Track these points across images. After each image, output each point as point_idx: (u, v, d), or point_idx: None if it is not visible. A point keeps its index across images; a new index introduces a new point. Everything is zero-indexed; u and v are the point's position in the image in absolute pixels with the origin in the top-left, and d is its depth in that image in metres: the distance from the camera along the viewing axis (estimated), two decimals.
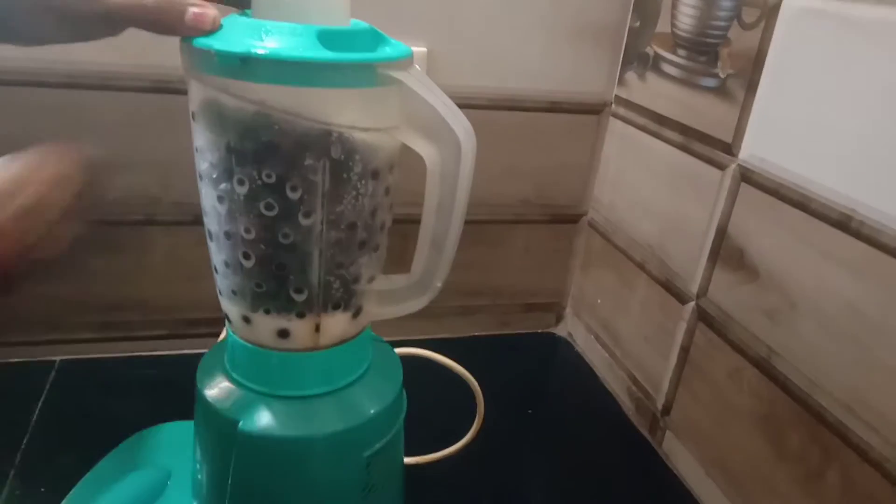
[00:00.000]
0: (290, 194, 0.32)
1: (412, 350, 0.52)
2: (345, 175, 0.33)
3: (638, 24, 0.68)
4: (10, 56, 0.55)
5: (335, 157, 0.32)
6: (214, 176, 0.33)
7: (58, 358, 0.67)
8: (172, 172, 0.62)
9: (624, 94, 0.70)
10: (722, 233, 0.56)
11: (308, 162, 0.32)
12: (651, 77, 0.65)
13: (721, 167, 0.55)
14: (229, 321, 0.38)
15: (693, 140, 0.59)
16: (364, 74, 0.31)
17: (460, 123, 0.32)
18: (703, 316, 0.58)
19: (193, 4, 0.31)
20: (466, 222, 0.74)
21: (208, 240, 0.36)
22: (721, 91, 0.55)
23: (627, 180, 0.70)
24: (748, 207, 0.53)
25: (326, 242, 0.34)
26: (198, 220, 0.66)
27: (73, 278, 0.64)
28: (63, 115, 0.58)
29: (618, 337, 0.72)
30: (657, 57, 0.64)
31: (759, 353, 0.51)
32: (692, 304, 0.59)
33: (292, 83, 0.29)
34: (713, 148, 0.56)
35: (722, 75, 0.55)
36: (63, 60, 0.57)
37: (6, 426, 0.57)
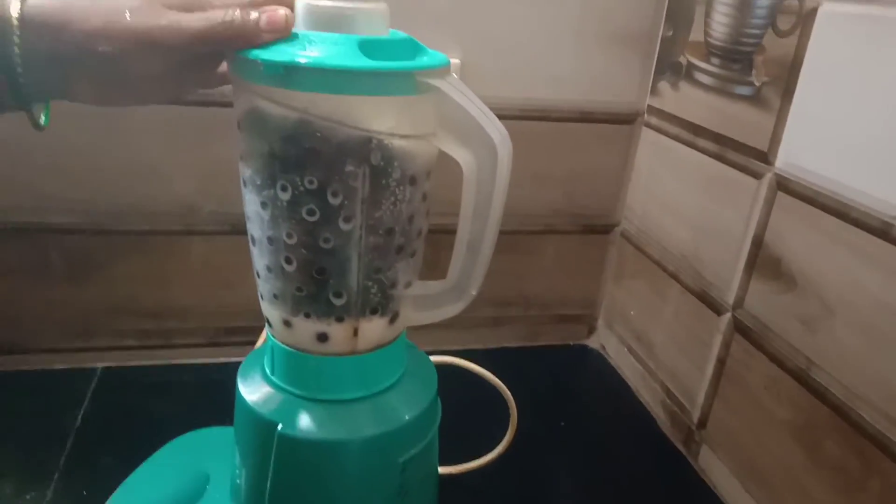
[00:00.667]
0: (330, 200, 0.33)
1: (446, 358, 0.52)
2: (383, 181, 0.34)
3: (671, 33, 0.68)
4: None
5: (374, 163, 0.33)
6: (258, 182, 0.34)
7: (99, 365, 0.69)
8: (210, 182, 0.64)
9: (657, 104, 0.70)
10: (758, 242, 0.55)
11: (349, 168, 0.32)
12: (684, 86, 0.65)
13: (757, 176, 0.55)
14: (270, 325, 0.39)
15: (728, 149, 0.59)
16: (403, 82, 0.31)
17: (496, 129, 0.32)
18: (739, 326, 0.57)
19: (262, 9, 0.32)
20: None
21: (251, 245, 0.37)
22: (756, 99, 0.55)
23: (661, 190, 0.69)
24: (785, 216, 0.52)
25: (365, 247, 0.35)
26: (234, 230, 0.67)
27: (113, 286, 0.66)
28: (107, 124, 0.60)
29: (651, 348, 0.71)
30: (690, 66, 0.64)
31: (796, 363, 0.51)
32: (728, 314, 0.59)
33: (334, 91, 0.30)
34: (748, 157, 0.56)
35: (757, 83, 0.55)
36: None
37: (51, 430, 0.59)
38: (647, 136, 0.72)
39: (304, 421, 0.37)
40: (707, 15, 0.62)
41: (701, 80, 0.63)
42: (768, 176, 0.54)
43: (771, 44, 0.54)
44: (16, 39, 0.30)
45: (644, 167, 0.72)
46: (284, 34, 0.32)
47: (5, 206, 0.61)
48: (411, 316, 0.39)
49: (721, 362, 0.60)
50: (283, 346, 0.38)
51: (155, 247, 0.66)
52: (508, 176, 0.33)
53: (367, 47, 0.31)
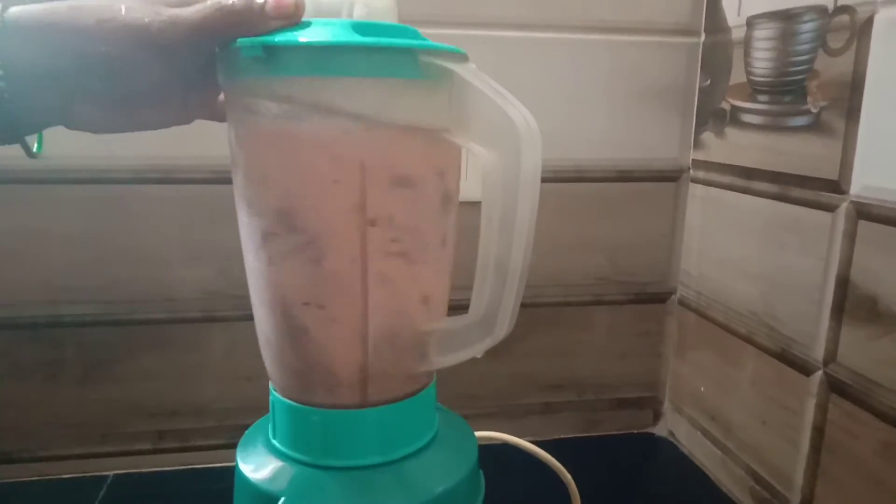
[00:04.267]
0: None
1: (493, 434, 0.45)
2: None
3: (708, 82, 0.64)
4: (82, 154, 0.56)
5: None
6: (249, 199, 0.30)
7: (111, 472, 0.63)
8: (232, 264, 0.60)
9: (702, 157, 0.65)
10: (844, 282, 0.47)
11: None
12: (731, 132, 0.60)
13: (830, 208, 0.49)
14: (270, 376, 0.33)
15: (790, 186, 0.53)
16: (404, 62, 0.27)
17: (521, 114, 0.27)
18: (835, 385, 0.48)
19: None
20: (539, 305, 0.68)
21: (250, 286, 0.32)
22: (816, 126, 0.50)
23: (718, 246, 0.63)
24: (872, 246, 0.45)
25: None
26: None
27: (128, 385, 0.61)
28: (128, 208, 0.58)
29: (729, 427, 0.61)
30: (735, 109, 0.60)
31: None
32: (819, 373, 0.50)
33: (323, 72, 0.26)
34: (816, 189, 0.50)
35: (814, 109, 0.50)
36: (129, 156, 0.57)
37: None
38: (694, 191, 0.66)
39: (312, 493, 0.30)
40: (746, 55, 0.58)
41: (749, 120, 0.58)
42: (844, 206, 0.47)
43: (824, 65, 0.49)
44: None
45: (696, 225, 0.66)
46: (294, 20, 0.28)
47: (18, 300, 0.58)
48: (432, 358, 0.32)
49: (818, 431, 0.50)
50: (286, 400, 0.31)
51: (173, 337, 0.61)
52: (539, 172, 0.28)
53: (363, 28, 0.27)
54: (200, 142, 0.57)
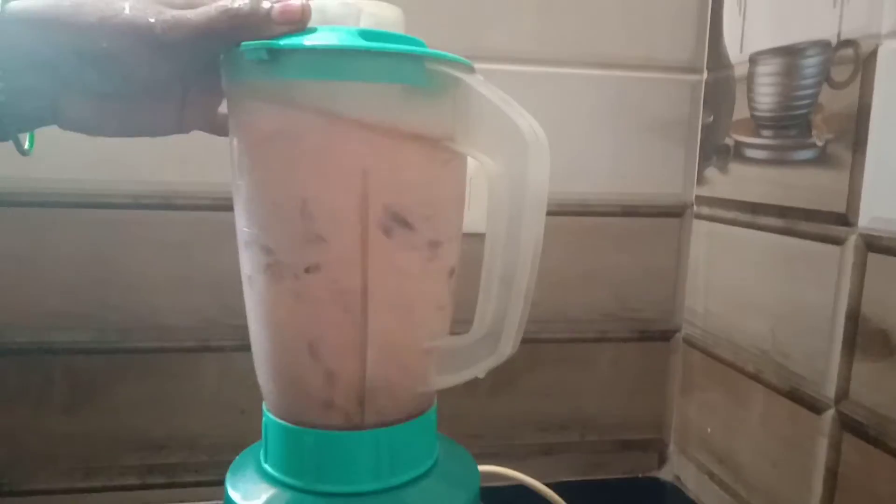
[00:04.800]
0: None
1: (498, 469, 0.43)
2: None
3: (711, 118, 0.64)
4: (81, 178, 0.56)
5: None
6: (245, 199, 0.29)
7: None
8: (228, 292, 0.59)
9: (706, 192, 0.64)
10: (854, 316, 0.46)
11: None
12: (735, 167, 0.60)
13: (838, 241, 0.48)
14: (264, 394, 0.31)
15: (797, 220, 0.52)
16: (410, 68, 0.27)
17: (528, 123, 0.27)
18: (847, 424, 0.47)
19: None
20: (542, 341, 0.67)
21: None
22: (821, 160, 0.50)
23: (723, 283, 0.62)
24: (882, 278, 0.44)
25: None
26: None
27: (117, 415, 0.59)
28: (126, 234, 0.57)
29: (739, 471, 0.59)
30: (739, 145, 0.59)
31: None
32: (831, 411, 0.48)
33: (327, 76, 0.26)
34: (824, 223, 0.49)
35: (819, 143, 0.50)
36: (128, 180, 0.57)
37: None
38: (699, 227, 0.66)
39: None
40: (749, 90, 0.58)
41: (753, 155, 0.58)
42: (852, 238, 0.47)
43: (829, 99, 0.49)
44: None
45: (700, 262, 0.65)
46: (300, 26, 0.28)
47: (5, 324, 0.57)
48: (432, 379, 0.31)
49: (832, 472, 0.48)
50: (279, 420, 0.30)
51: (165, 366, 0.60)
52: (546, 183, 0.27)
53: (369, 35, 0.27)
54: (201, 168, 0.57)
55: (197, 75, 0.31)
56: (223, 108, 0.35)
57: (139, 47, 0.28)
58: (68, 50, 0.28)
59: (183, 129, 0.33)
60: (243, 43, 0.27)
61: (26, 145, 0.32)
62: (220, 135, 0.36)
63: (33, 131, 0.32)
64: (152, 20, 0.28)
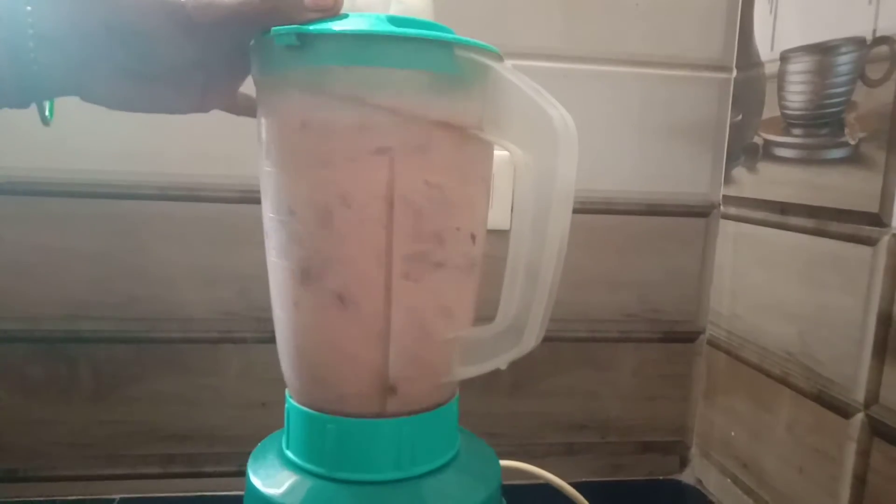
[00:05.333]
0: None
1: (519, 464, 0.42)
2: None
3: (739, 117, 0.63)
4: (109, 170, 0.57)
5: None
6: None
7: (117, 496, 0.61)
8: (252, 285, 0.60)
9: (734, 192, 0.63)
10: (886, 319, 0.45)
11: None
12: (764, 167, 0.59)
13: (870, 242, 0.47)
14: (287, 382, 0.31)
15: (827, 221, 0.51)
16: (440, 55, 0.27)
17: (559, 113, 0.26)
18: (877, 428, 0.46)
19: None
20: (564, 339, 0.66)
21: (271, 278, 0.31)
22: (854, 159, 0.48)
23: (750, 284, 0.61)
24: None
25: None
26: (275, 338, 0.62)
27: (141, 405, 0.60)
28: (153, 226, 0.58)
29: (762, 475, 0.58)
30: (768, 144, 0.58)
31: None
32: (860, 415, 0.47)
33: (357, 62, 0.26)
34: (856, 223, 0.48)
35: (853, 142, 0.49)
36: (156, 172, 0.57)
37: None
38: (726, 228, 0.65)
39: None
40: (780, 89, 0.57)
41: (783, 154, 0.57)
42: (885, 239, 0.46)
43: (863, 97, 0.48)
44: (29, 20, 0.26)
45: (727, 263, 0.64)
46: (331, 13, 0.28)
47: (34, 314, 0.58)
48: (455, 369, 0.31)
49: (860, 479, 0.47)
50: (301, 407, 0.30)
51: (188, 358, 0.60)
52: (574, 174, 0.27)
53: (399, 22, 0.27)
54: (226, 161, 0.58)
55: (223, 56, 0.30)
56: (243, 89, 0.35)
57: (168, 26, 0.28)
58: (98, 23, 0.28)
59: (203, 108, 0.33)
60: (273, 28, 0.27)
61: (46, 112, 0.32)
62: (238, 114, 0.36)
63: (53, 100, 0.32)
64: (184, 0, 0.28)
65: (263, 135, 0.30)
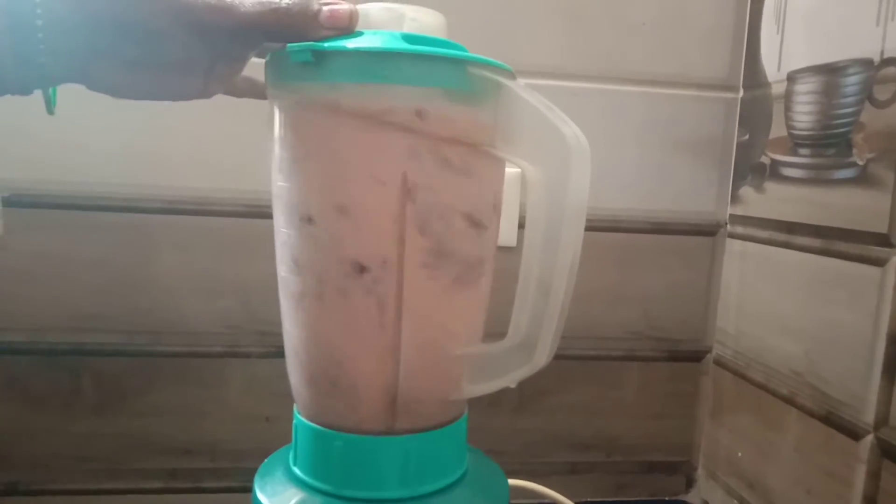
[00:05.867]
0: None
1: (527, 484, 0.42)
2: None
3: (746, 136, 0.63)
4: (115, 182, 0.57)
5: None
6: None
7: None
8: (257, 299, 0.60)
9: (740, 211, 0.63)
10: (895, 339, 0.45)
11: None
12: (771, 186, 0.59)
13: (879, 263, 0.47)
14: (296, 397, 0.31)
15: (835, 241, 0.51)
16: (452, 72, 0.27)
17: (571, 129, 0.26)
18: (888, 450, 0.45)
19: (326, 3, 0.28)
20: (569, 357, 0.66)
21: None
22: (862, 179, 0.49)
23: (757, 303, 0.61)
24: None
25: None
26: (279, 352, 0.62)
27: (144, 418, 0.60)
28: (158, 238, 0.58)
29: (770, 497, 0.57)
30: (775, 163, 0.59)
31: None
32: (870, 437, 0.47)
33: (371, 80, 0.26)
34: (864, 243, 0.48)
35: (861, 162, 0.49)
36: (163, 185, 0.58)
37: None
38: (732, 247, 0.65)
39: None
40: (787, 109, 0.57)
41: (790, 174, 0.57)
42: (894, 259, 0.45)
43: (871, 118, 0.48)
44: (38, 10, 0.26)
45: (733, 282, 0.64)
46: (346, 31, 0.28)
47: (38, 325, 0.58)
48: (465, 387, 0.31)
49: (870, 501, 0.46)
50: (309, 423, 0.30)
51: (192, 371, 0.60)
52: (587, 190, 0.27)
53: (413, 39, 0.27)
54: (233, 174, 0.58)
55: (229, 55, 0.30)
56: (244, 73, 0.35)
57: (178, 27, 0.28)
58: (107, 18, 0.27)
59: (206, 94, 0.33)
60: (289, 45, 0.27)
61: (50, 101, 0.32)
62: (239, 97, 0.36)
63: (55, 89, 0.32)
64: (199, 3, 0.28)
65: (276, 149, 0.30)
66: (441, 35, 0.30)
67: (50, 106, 0.31)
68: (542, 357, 0.28)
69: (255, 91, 0.37)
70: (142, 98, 0.32)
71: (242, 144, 0.57)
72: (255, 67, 0.36)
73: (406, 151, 0.27)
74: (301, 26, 0.28)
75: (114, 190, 0.57)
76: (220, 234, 0.59)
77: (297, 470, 0.31)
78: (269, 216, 0.57)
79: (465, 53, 0.28)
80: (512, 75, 0.29)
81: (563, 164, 0.26)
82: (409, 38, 0.27)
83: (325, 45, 0.27)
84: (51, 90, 0.32)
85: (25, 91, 0.29)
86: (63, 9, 0.27)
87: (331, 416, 0.30)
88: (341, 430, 0.29)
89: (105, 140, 0.56)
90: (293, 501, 0.29)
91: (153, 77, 0.30)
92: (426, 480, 0.30)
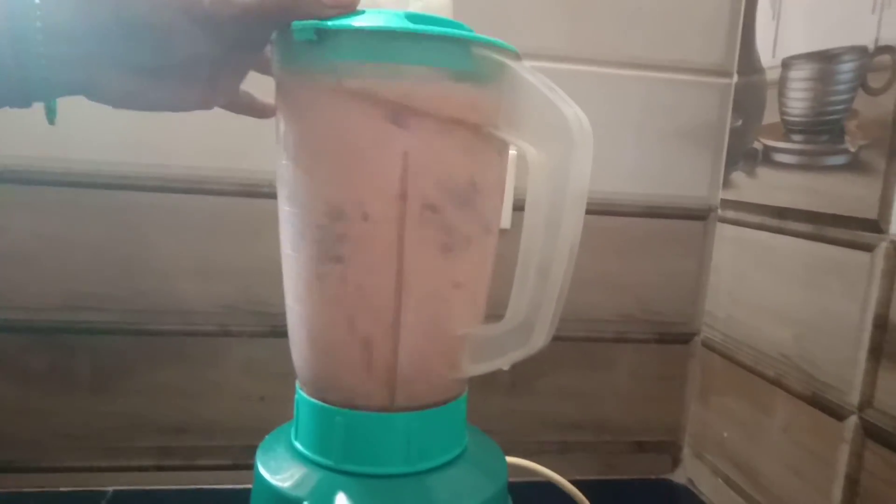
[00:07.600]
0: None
1: (524, 462, 0.43)
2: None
3: (740, 122, 0.64)
4: (111, 160, 0.56)
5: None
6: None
7: (111, 488, 0.60)
8: (252, 279, 0.60)
9: (732, 196, 0.64)
10: (882, 323, 0.46)
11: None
12: (763, 171, 0.60)
13: (868, 248, 0.47)
14: (298, 373, 0.31)
15: (826, 226, 0.52)
16: (456, 52, 0.27)
17: (574, 112, 0.27)
18: (871, 431, 0.46)
19: None
20: (561, 339, 0.67)
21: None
22: (854, 166, 0.49)
23: (747, 287, 0.62)
24: None
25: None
26: (275, 332, 0.62)
27: (138, 396, 0.60)
28: (154, 217, 0.58)
29: (756, 477, 0.59)
30: (767, 149, 0.59)
31: None
32: (854, 417, 0.48)
33: (374, 58, 0.26)
34: (854, 229, 0.49)
35: (853, 149, 0.49)
36: (158, 164, 0.57)
37: None
38: (723, 231, 0.65)
39: (331, 499, 0.28)
40: (781, 95, 0.58)
41: (782, 160, 0.57)
42: (883, 245, 0.46)
43: (864, 105, 0.49)
44: (37, 13, 0.26)
45: (724, 266, 0.65)
46: (349, 9, 0.28)
47: (35, 304, 0.57)
48: (464, 366, 0.31)
49: (853, 481, 0.48)
50: (311, 399, 0.30)
51: (188, 350, 0.60)
52: (588, 174, 0.27)
53: (417, 19, 0.27)
54: (229, 154, 0.58)
55: (228, 55, 0.30)
56: (244, 87, 0.35)
57: (182, 19, 0.27)
58: (108, 15, 0.27)
59: (207, 104, 0.32)
60: (293, 23, 0.27)
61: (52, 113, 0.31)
62: (238, 112, 0.36)
63: (55, 102, 0.32)
64: None
65: (282, 128, 0.30)
66: (446, 16, 0.30)
67: (51, 115, 0.31)
68: (539, 339, 0.29)
69: (253, 108, 0.37)
70: (143, 108, 0.31)
71: (237, 123, 0.56)
72: (256, 85, 0.36)
73: (409, 131, 0.27)
74: (306, 6, 0.28)
75: (109, 168, 0.57)
76: (216, 214, 0.58)
77: (298, 445, 0.31)
78: (266, 196, 0.57)
79: (470, 33, 0.28)
80: (517, 56, 0.29)
81: (566, 146, 0.26)
82: (413, 18, 0.27)
83: (329, 23, 0.27)
84: (52, 101, 0.31)
85: (25, 103, 0.28)
86: (63, 11, 0.27)
87: (332, 392, 0.30)
88: (343, 406, 0.30)
89: (99, 119, 0.55)
90: (294, 476, 0.29)
91: (155, 82, 0.29)
92: (426, 457, 0.31)
